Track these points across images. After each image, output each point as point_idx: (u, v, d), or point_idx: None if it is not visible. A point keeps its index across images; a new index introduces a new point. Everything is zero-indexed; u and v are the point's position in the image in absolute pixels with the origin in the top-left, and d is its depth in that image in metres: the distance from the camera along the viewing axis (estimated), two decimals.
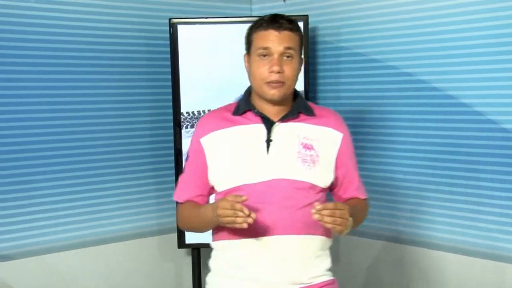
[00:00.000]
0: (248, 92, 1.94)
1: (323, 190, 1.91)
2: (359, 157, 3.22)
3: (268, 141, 1.85)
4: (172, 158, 3.17)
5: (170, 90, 3.17)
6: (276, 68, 1.80)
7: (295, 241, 1.83)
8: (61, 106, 3.00)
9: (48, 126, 2.97)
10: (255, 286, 1.84)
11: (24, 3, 2.88)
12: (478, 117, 2.77)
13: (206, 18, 3.22)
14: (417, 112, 3.00)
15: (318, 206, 1.72)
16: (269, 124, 1.87)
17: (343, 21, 3.27)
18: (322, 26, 3.37)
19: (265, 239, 1.81)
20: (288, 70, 1.83)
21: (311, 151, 1.86)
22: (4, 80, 2.83)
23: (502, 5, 2.63)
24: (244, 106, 1.90)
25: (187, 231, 2.04)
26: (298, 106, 1.91)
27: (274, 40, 1.82)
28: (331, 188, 1.98)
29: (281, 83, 1.82)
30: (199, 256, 3.28)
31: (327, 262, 1.94)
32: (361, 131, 3.24)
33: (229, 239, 1.86)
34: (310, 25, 3.25)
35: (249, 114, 1.89)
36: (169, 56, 3.18)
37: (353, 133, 3.23)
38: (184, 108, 3.13)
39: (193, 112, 3.15)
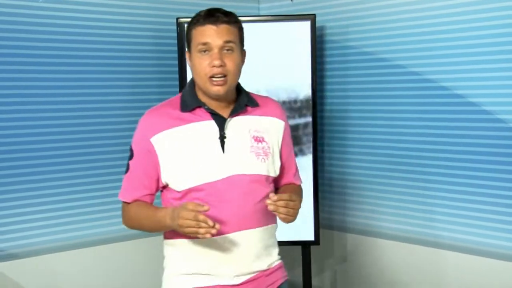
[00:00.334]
0: (192, 87, 1.90)
1: (274, 179, 1.95)
2: (367, 156, 3.25)
3: (222, 138, 1.85)
4: None
5: (177, 90, 3.18)
6: (217, 62, 1.79)
7: (257, 234, 1.89)
8: (64, 105, 3.01)
9: (51, 126, 2.98)
10: (225, 279, 1.87)
11: (33, 2, 2.89)
12: (486, 116, 2.75)
13: None
14: (425, 111, 2.99)
15: (274, 197, 1.76)
16: (219, 120, 1.86)
17: (350, 20, 3.26)
18: (329, 25, 3.37)
19: (228, 236, 1.83)
20: (229, 63, 1.81)
21: (262, 144, 1.89)
22: (5, 80, 2.85)
23: None
24: (193, 103, 1.87)
25: (133, 229, 1.98)
26: (243, 99, 1.91)
27: (213, 35, 1.81)
28: None
29: (224, 77, 1.81)
30: None
31: (276, 246, 2.04)
32: (369, 130, 3.23)
33: (190, 237, 1.84)
34: (317, 24, 3.24)
35: (198, 111, 1.87)
36: (176, 55, 3.18)
37: (360, 132, 3.28)
38: None
39: None
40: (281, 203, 1.76)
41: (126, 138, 3.17)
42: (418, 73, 3.00)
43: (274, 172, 1.93)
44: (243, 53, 1.90)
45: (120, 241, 3.17)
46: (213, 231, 1.67)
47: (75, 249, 3.05)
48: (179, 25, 3.14)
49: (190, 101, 1.87)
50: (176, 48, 3.18)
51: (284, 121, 2.00)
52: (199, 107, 1.87)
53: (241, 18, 3.15)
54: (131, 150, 1.90)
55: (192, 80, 1.91)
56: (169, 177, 1.86)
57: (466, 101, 2.82)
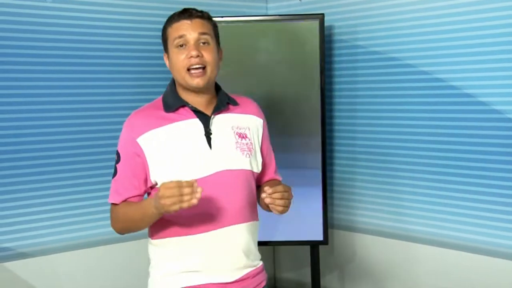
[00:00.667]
0: (173, 87, 1.93)
1: (257, 175, 1.99)
2: (376, 155, 3.24)
3: (208, 135, 1.88)
4: None
5: None
6: (194, 53, 1.83)
7: (244, 229, 1.91)
8: (69, 105, 3.02)
9: (56, 126, 2.98)
10: (218, 276, 1.88)
11: (39, 2, 2.90)
12: (496, 115, 2.74)
13: (222, 17, 3.22)
14: (434, 110, 2.98)
15: (269, 190, 1.78)
16: (203, 118, 1.89)
17: (359, 20, 3.25)
18: (338, 25, 3.36)
19: (217, 231, 1.85)
20: (206, 54, 1.85)
21: (245, 140, 1.93)
22: (10, 80, 2.86)
23: None
24: (176, 102, 1.89)
25: (122, 232, 1.96)
26: (224, 97, 1.95)
27: (188, 28, 1.85)
28: None
29: (202, 69, 1.84)
30: None
31: (257, 244, 2.02)
32: (378, 130, 3.22)
33: (178, 235, 1.86)
34: (326, 24, 3.24)
35: (182, 110, 1.89)
36: None
37: (370, 132, 3.27)
38: None
39: None
40: (277, 195, 1.79)
41: None
42: (427, 72, 2.98)
43: (257, 168, 1.97)
44: (220, 50, 1.94)
45: (126, 241, 3.17)
46: (198, 195, 1.65)
47: (81, 248, 3.06)
48: None
49: (172, 101, 1.90)
50: None
51: (262, 119, 2.04)
52: (183, 106, 1.89)
53: (249, 18, 3.19)
54: (118, 154, 1.90)
55: (173, 81, 1.95)
56: (158, 176, 1.85)
57: (475, 101, 2.81)
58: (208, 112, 1.90)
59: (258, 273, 2.01)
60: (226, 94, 1.98)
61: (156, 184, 1.88)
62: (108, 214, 1.93)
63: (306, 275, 3.56)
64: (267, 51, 3.15)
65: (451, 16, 2.86)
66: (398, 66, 3.10)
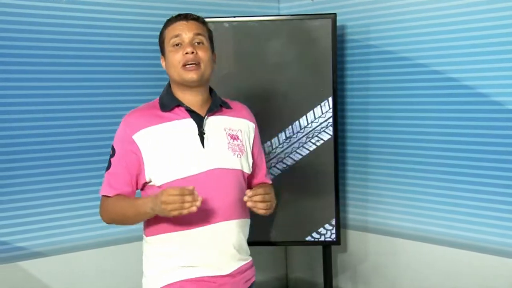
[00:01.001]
0: (169, 89, 2.02)
1: (248, 176, 2.07)
2: (388, 155, 3.23)
3: (201, 134, 1.96)
4: None
5: None
6: (189, 49, 1.92)
7: (235, 225, 1.99)
8: (81, 106, 3.03)
9: (68, 126, 3.00)
10: (211, 269, 1.95)
11: (56, 3, 2.92)
12: (509, 115, 2.72)
13: (234, 17, 3.22)
14: (447, 110, 2.96)
15: (249, 193, 1.87)
16: (197, 118, 1.98)
17: (371, 19, 3.24)
18: (350, 25, 3.35)
19: (209, 227, 1.93)
20: (201, 53, 1.95)
21: (237, 141, 2.02)
22: (29, 80, 2.88)
23: None
24: (172, 102, 1.98)
25: (110, 223, 2.02)
26: (217, 99, 2.05)
27: (183, 28, 1.96)
28: None
29: (196, 65, 1.93)
30: None
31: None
32: (391, 130, 3.21)
33: (172, 231, 1.93)
34: (338, 23, 3.23)
35: (177, 110, 1.97)
36: None
37: (382, 132, 3.26)
38: None
39: None
40: (258, 197, 1.88)
41: None
42: (440, 71, 2.97)
43: (248, 168, 2.05)
44: (214, 54, 2.04)
45: (139, 241, 3.17)
46: (198, 203, 1.75)
47: (94, 248, 3.08)
48: None
49: (168, 101, 1.99)
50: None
51: (253, 123, 2.14)
52: (178, 106, 1.98)
53: (261, 18, 3.20)
54: (113, 148, 1.97)
55: (169, 83, 2.04)
56: (152, 172, 1.92)
57: (487, 100, 2.79)
58: (202, 112, 1.99)
59: (248, 269, 2.08)
60: (220, 98, 2.08)
61: (151, 181, 1.94)
62: None
63: (318, 276, 3.56)
64: (279, 51, 3.15)
65: (464, 15, 2.84)
66: (411, 66, 3.09)
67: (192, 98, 1.98)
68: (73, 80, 3.01)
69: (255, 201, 1.88)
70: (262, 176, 2.16)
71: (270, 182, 2.20)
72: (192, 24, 1.98)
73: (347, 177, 3.45)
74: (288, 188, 3.20)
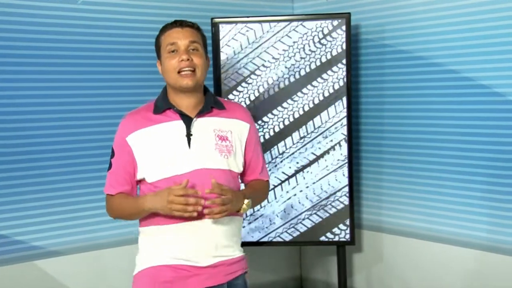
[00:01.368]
0: (165, 93, 2.14)
1: (238, 174, 2.17)
2: (403, 155, 3.21)
3: (189, 135, 2.06)
4: None
5: (212, 90, 3.20)
6: (185, 57, 2.03)
7: (220, 222, 2.06)
8: (97, 106, 3.06)
9: (80, 126, 3.02)
10: (186, 263, 2.05)
11: (72, 4, 2.94)
12: None
13: (248, 17, 3.23)
14: (463, 110, 2.94)
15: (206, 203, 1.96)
16: (187, 120, 2.08)
17: (385, 18, 3.23)
18: (364, 24, 3.34)
19: (194, 223, 2.03)
20: (196, 59, 2.05)
21: (226, 142, 2.10)
22: (43, 81, 2.91)
23: None
24: (164, 105, 2.10)
25: (116, 218, 2.23)
26: (210, 101, 2.13)
27: (179, 36, 2.06)
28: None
29: (192, 71, 2.04)
30: None
31: (240, 238, 2.21)
32: (405, 129, 3.20)
33: (162, 224, 2.05)
34: (352, 23, 3.22)
35: (169, 112, 2.09)
36: (211, 55, 3.20)
37: (396, 132, 3.25)
38: None
39: None
40: (216, 209, 1.96)
41: None
42: (455, 71, 2.95)
43: (238, 168, 2.14)
44: (207, 58, 2.13)
45: None
46: (199, 208, 1.93)
47: (110, 247, 3.10)
48: (214, 25, 3.15)
49: (161, 104, 2.10)
50: (210, 48, 3.19)
51: (249, 123, 2.19)
52: (169, 108, 2.09)
53: (275, 18, 3.20)
54: (112, 150, 2.13)
55: (165, 87, 2.15)
56: (143, 171, 2.07)
57: (504, 100, 2.77)
58: (192, 114, 2.09)
59: (234, 263, 2.14)
60: (214, 98, 2.16)
61: (143, 179, 2.08)
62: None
63: (333, 276, 3.55)
64: (293, 51, 3.15)
65: (479, 14, 2.82)
66: (425, 65, 3.07)
67: (185, 101, 2.09)
68: (91, 81, 3.04)
69: (213, 214, 1.97)
70: (257, 173, 2.23)
71: (266, 178, 2.27)
72: (187, 31, 2.07)
73: (361, 177, 3.44)
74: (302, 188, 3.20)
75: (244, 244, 3.22)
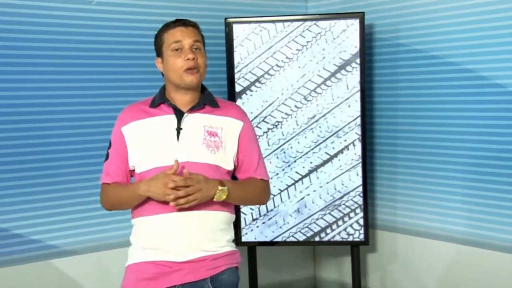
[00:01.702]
0: (163, 88, 2.21)
1: (228, 172, 2.18)
2: (417, 155, 3.20)
3: (178, 129, 2.12)
4: None
5: (225, 89, 3.21)
6: (191, 56, 2.09)
7: (205, 215, 2.10)
8: (105, 106, 3.06)
9: (96, 126, 3.04)
10: (170, 255, 2.08)
11: (87, 5, 2.96)
12: None
13: (262, 17, 3.23)
14: (477, 110, 2.93)
15: (171, 196, 1.99)
16: (179, 114, 2.14)
17: (399, 18, 3.22)
18: (378, 23, 3.33)
19: (180, 214, 2.06)
20: (199, 58, 2.12)
21: (215, 138, 2.14)
22: (52, 81, 2.93)
23: None
24: (159, 100, 2.16)
25: (110, 209, 2.25)
26: (204, 98, 2.18)
27: (184, 35, 2.11)
28: (234, 169, 2.23)
29: (196, 69, 2.10)
30: (254, 254, 3.30)
31: (230, 234, 2.20)
32: (420, 129, 3.18)
33: (149, 214, 2.11)
34: (366, 22, 3.21)
35: (163, 106, 2.15)
36: (224, 55, 3.21)
37: (411, 132, 3.23)
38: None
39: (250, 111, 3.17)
40: (182, 201, 2.00)
41: None
42: (470, 70, 2.93)
43: (227, 164, 2.16)
44: (206, 57, 2.17)
45: None
46: (180, 193, 1.99)
47: (128, 246, 3.10)
48: (228, 25, 3.16)
49: (157, 98, 2.18)
50: (224, 48, 3.20)
51: (243, 121, 2.22)
52: (164, 103, 2.15)
53: (288, 17, 3.20)
54: (110, 141, 2.19)
55: (164, 85, 2.21)
56: (134, 161, 2.15)
57: None
58: (185, 110, 2.14)
59: (218, 258, 2.14)
60: (211, 97, 2.20)
61: (134, 169, 2.16)
62: None
63: (346, 276, 3.54)
64: (307, 50, 3.15)
65: (494, 12, 2.80)
66: (440, 65, 3.06)
67: (182, 98, 2.14)
68: (101, 81, 3.05)
69: (179, 204, 2.00)
70: (251, 171, 2.24)
71: (259, 177, 2.26)
72: (190, 30, 2.13)
73: (375, 176, 3.43)
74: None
75: (257, 244, 3.26)
